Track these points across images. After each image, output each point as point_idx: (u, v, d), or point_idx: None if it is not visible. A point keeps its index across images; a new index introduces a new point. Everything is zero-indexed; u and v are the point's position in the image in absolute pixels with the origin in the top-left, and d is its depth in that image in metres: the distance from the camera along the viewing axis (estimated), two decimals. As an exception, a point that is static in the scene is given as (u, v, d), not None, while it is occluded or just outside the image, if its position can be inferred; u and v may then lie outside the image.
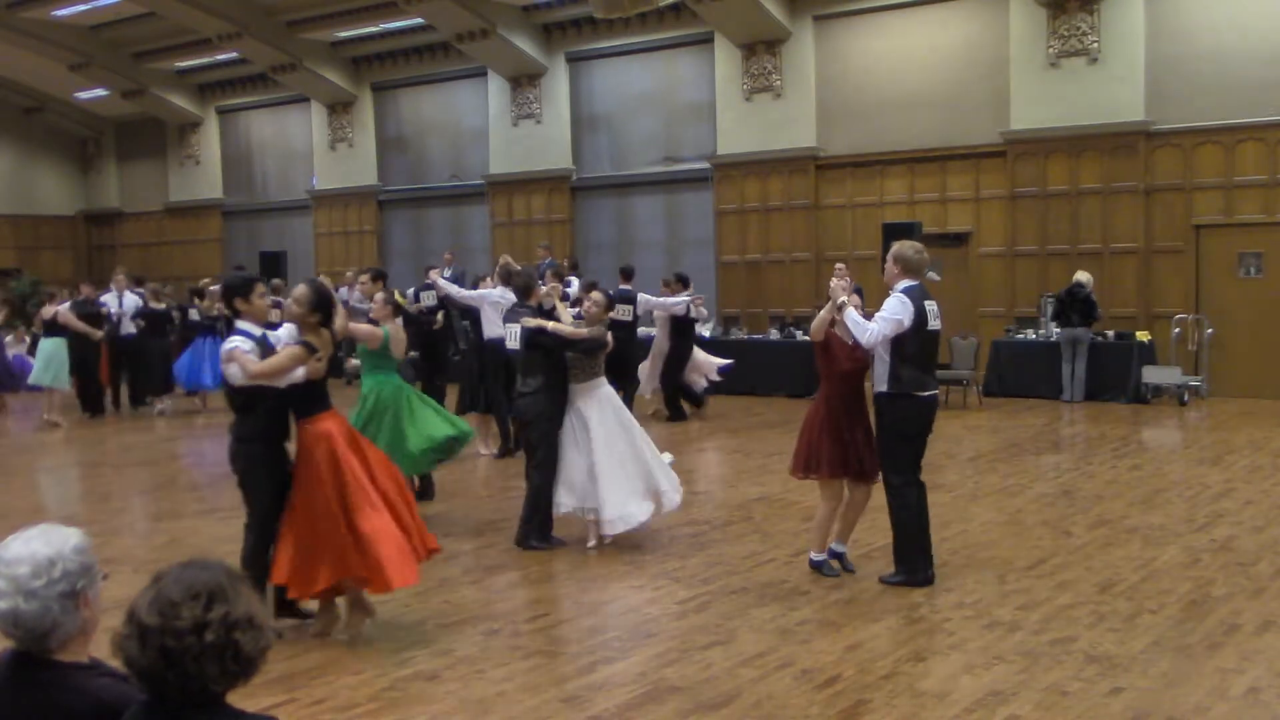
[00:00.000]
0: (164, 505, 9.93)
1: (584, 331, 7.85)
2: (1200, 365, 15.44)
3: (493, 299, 11.97)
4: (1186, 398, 14.91)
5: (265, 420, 6.04)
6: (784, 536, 8.23)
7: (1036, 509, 9.02)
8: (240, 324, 6.08)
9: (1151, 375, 15.12)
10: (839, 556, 7.31)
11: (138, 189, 28.85)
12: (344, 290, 17.78)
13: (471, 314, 12.51)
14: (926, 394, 6.85)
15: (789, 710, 5.05)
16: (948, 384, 15.55)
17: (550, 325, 7.83)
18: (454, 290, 12.91)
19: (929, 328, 6.80)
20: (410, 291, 13.86)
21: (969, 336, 16.03)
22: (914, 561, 6.91)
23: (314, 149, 25.09)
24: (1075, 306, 15.17)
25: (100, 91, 26.51)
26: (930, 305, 6.83)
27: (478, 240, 22.67)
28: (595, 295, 8.42)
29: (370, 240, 24.31)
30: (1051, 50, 16.45)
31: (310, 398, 6.06)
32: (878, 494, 7.20)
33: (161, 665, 2.26)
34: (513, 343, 7.83)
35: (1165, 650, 5.70)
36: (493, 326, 11.74)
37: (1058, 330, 15.63)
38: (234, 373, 5.92)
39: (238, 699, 2.44)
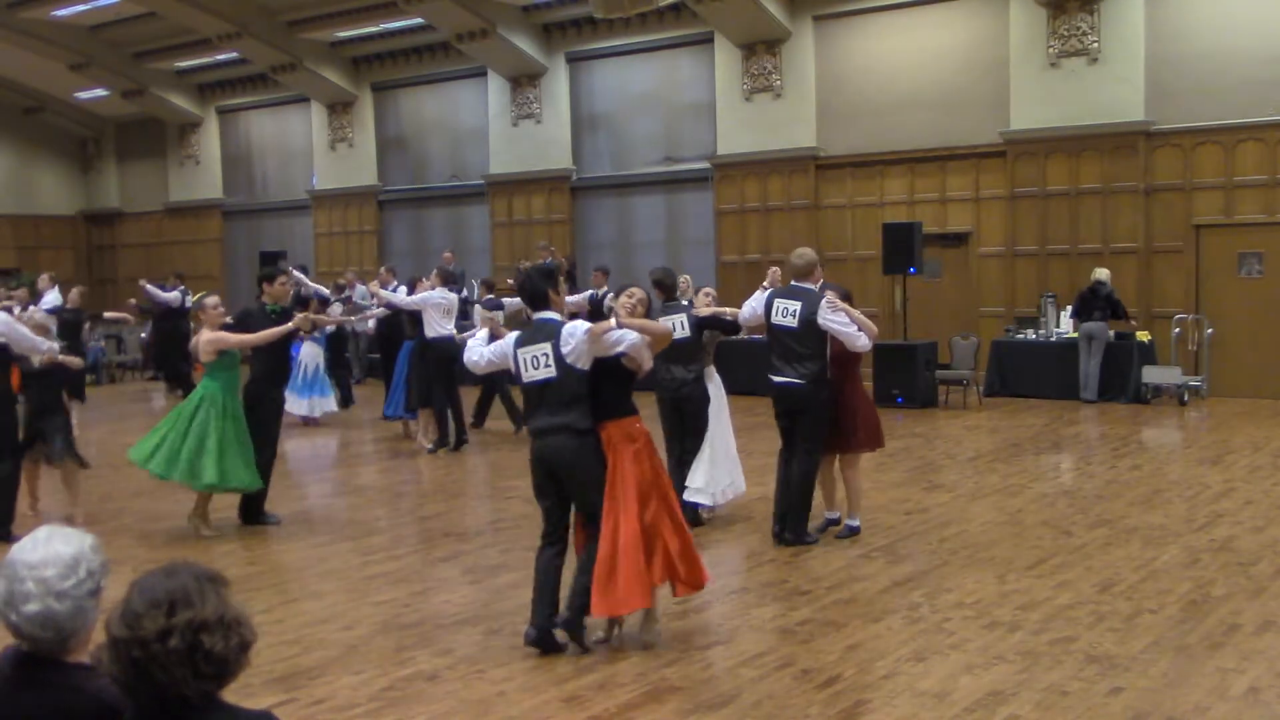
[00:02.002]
0: (164, 505, 9.92)
1: (731, 312, 8.44)
2: (1200, 365, 15.43)
3: (434, 300, 12.55)
4: (1186, 398, 14.91)
5: (592, 411, 5.80)
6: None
7: (1036, 509, 9.02)
8: (547, 314, 5.98)
9: (1151, 375, 15.11)
10: (835, 522, 8.31)
11: (138, 189, 28.85)
12: (347, 290, 18.03)
13: (416, 317, 12.85)
14: (773, 379, 7.86)
15: (789, 710, 5.05)
16: (948, 384, 15.60)
17: (728, 311, 8.46)
18: (397, 298, 13.39)
19: (772, 322, 7.86)
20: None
21: (969, 336, 16.03)
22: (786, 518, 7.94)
23: (314, 149, 25.09)
24: (1098, 304, 15.17)
25: (100, 91, 26.51)
26: (781, 303, 7.83)
27: (478, 240, 22.68)
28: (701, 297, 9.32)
29: (370, 240, 24.31)
30: (1051, 50, 16.45)
31: (630, 393, 5.97)
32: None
33: (134, 674, 2.28)
34: (681, 332, 8.13)
35: (1165, 650, 5.70)
36: (435, 327, 12.24)
37: (1066, 325, 15.66)
38: (618, 337, 5.71)
39: (238, 698, 2.45)
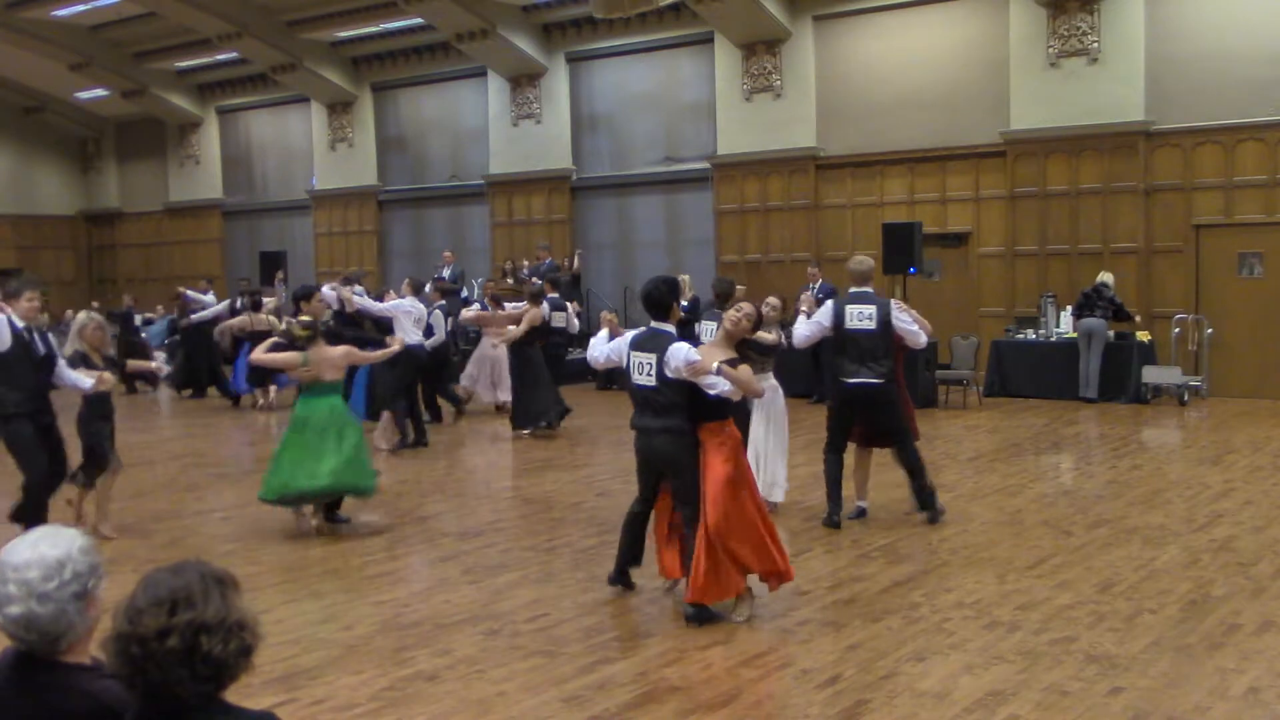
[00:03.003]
0: (164, 505, 9.92)
1: (772, 337, 8.62)
2: (1200, 365, 15.44)
3: (405, 309, 12.74)
4: (1186, 398, 14.91)
5: (688, 414, 6.31)
6: (784, 537, 8.21)
7: (1036, 509, 9.02)
8: (664, 325, 6.40)
9: (1151, 375, 15.11)
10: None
11: (138, 189, 28.86)
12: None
13: (383, 325, 12.90)
14: (849, 381, 8.34)
15: (789, 710, 5.05)
16: (948, 384, 15.60)
17: (769, 337, 8.65)
18: (368, 304, 13.33)
19: (846, 327, 8.36)
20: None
21: (969, 337, 16.03)
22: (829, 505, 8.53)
23: (314, 149, 25.10)
24: (1101, 305, 15.18)
25: (100, 91, 26.52)
26: (853, 309, 8.38)
27: (478, 240, 22.69)
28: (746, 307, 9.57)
29: (370, 240, 24.32)
30: (1051, 50, 16.45)
31: (723, 402, 6.30)
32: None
33: (131, 671, 2.27)
34: (707, 339, 8.32)
35: (1165, 650, 5.69)
36: (407, 335, 12.42)
37: (1066, 324, 15.66)
38: (713, 383, 6.11)
39: (238, 698, 2.44)
